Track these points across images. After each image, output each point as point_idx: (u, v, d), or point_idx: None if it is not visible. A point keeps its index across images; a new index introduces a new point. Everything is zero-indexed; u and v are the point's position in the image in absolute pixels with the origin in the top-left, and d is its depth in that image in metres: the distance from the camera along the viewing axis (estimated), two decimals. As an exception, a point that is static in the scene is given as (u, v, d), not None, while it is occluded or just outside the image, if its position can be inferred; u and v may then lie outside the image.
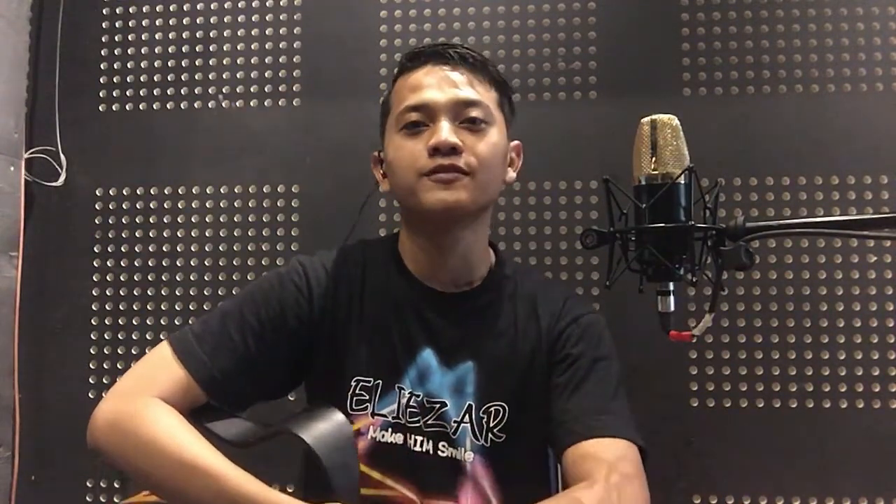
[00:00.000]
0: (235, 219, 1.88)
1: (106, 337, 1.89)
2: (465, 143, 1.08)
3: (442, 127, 1.08)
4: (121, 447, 0.98)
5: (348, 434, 1.02)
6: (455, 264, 1.16)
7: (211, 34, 1.93)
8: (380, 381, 1.12)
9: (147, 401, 1.00)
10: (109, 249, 1.91)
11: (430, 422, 1.11)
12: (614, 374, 1.14)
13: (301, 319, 1.13)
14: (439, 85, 1.10)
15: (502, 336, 1.16)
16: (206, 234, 1.89)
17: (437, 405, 1.12)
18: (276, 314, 1.11)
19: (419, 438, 1.11)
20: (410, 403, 1.11)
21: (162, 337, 1.87)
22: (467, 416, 1.12)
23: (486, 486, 1.11)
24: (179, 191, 1.90)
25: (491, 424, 1.12)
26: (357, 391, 1.12)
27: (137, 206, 1.91)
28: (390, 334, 1.14)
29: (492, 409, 1.12)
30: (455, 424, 1.11)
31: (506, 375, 1.14)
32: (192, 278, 1.88)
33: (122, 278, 1.90)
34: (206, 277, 1.88)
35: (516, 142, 1.22)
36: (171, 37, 1.94)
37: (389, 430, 1.11)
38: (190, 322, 1.83)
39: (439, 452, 1.11)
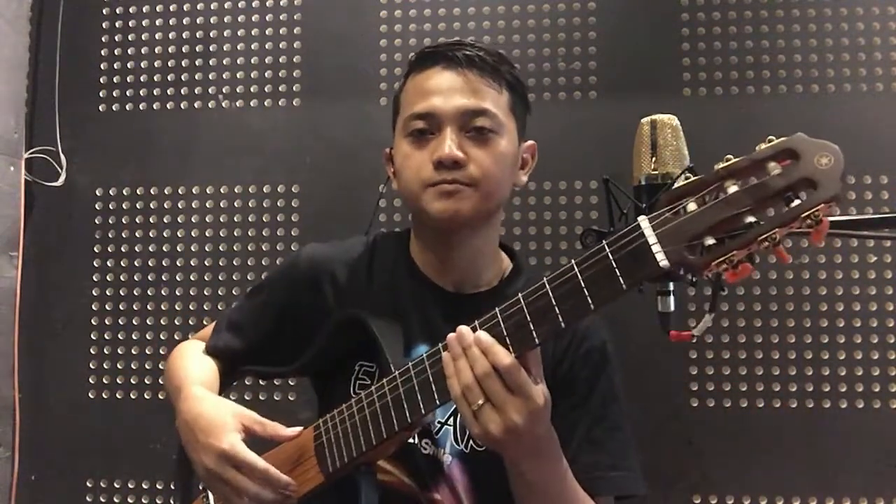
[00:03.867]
0: (235, 219, 1.88)
1: (106, 337, 1.89)
2: (469, 155, 1.07)
3: (446, 139, 1.07)
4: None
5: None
6: (461, 265, 1.16)
7: (211, 34, 1.93)
8: (379, 368, 1.12)
9: (189, 341, 1.30)
10: (109, 249, 1.91)
11: None
12: (623, 412, 1.13)
13: (308, 305, 1.17)
14: (447, 92, 1.09)
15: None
16: (206, 234, 1.89)
17: None
18: (286, 301, 1.19)
19: None
20: None
21: (162, 337, 1.87)
22: (451, 419, 1.11)
23: (460, 490, 1.10)
24: (179, 191, 1.90)
25: None
26: (360, 375, 1.14)
27: (137, 205, 1.91)
28: (391, 325, 1.14)
29: None
30: (438, 425, 1.11)
31: None
32: (192, 278, 1.88)
33: (122, 278, 1.90)
34: (206, 277, 1.88)
35: (530, 142, 1.20)
36: (171, 37, 1.94)
37: None
38: (190, 322, 1.85)
39: (422, 449, 1.11)
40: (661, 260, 0.77)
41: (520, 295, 0.88)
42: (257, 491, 0.98)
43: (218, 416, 1.04)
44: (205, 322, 1.83)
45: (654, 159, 0.95)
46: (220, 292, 1.87)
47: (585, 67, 1.83)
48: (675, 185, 0.80)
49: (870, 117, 1.75)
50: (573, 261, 0.84)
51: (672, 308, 0.98)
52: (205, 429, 1.03)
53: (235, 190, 1.89)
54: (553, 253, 1.80)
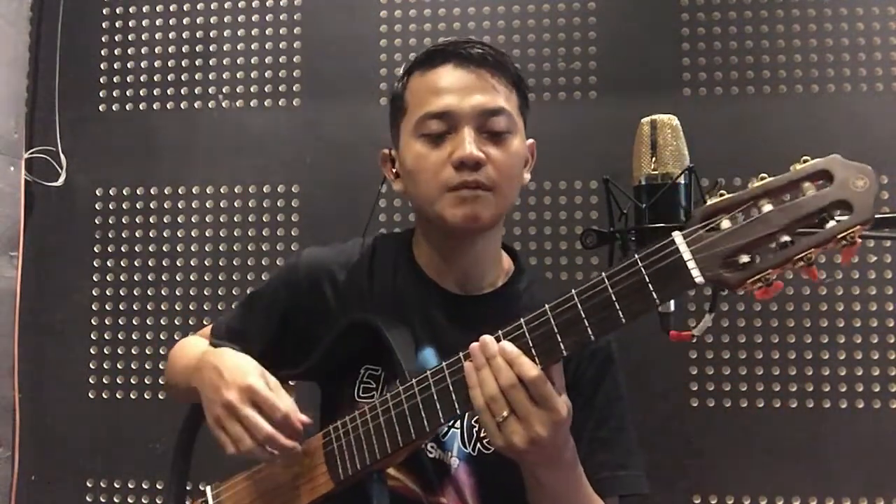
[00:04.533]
0: (235, 219, 1.88)
1: (106, 337, 1.89)
2: (487, 155, 1.06)
3: (466, 139, 1.04)
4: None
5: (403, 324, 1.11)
6: (466, 265, 1.15)
7: (211, 34, 1.93)
8: (385, 372, 1.12)
9: (190, 337, 1.30)
10: (109, 249, 1.91)
11: None
12: (627, 411, 1.14)
13: (309, 309, 1.16)
14: (462, 90, 1.06)
15: None
16: (206, 234, 1.89)
17: None
18: (287, 305, 1.17)
19: None
20: None
21: (162, 337, 1.87)
22: (458, 422, 1.10)
23: (467, 494, 1.09)
24: (179, 191, 1.90)
25: (481, 434, 1.09)
26: (365, 379, 1.13)
27: (137, 206, 1.91)
28: (400, 328, 1.12)
29: None
30: (445, 428, 1.10)
31: None
32: (192, 278, 1.88)
33: (122, 278, 1.90)
34: (206, 277, 1.88)
35: (530, 141, 1.19)
36: (171, 37, 1.94)
37: None
38: (190, 322, 1.86)
39: (428, 452, 1.10)
40: (697, 276, 0.77)
41: (546, 306, 0.87)
42: (270, 434, 0.97)
43: (243, 361, 1.05)
44: (205, 322, 1.83)
45: (653, 159, 0.95)
46: (220, 292, 1.87)
47: (585, 67, 1.83)
48: (708, 201, 0.80)
49: (870, 117, 1.75)
50: (603, 273, 0.83)
51: (672, 308, 0.98)
52: (230, 367, 1.03)
53: (235, 190, 1.89)
54: (553, 253, 1.80)
